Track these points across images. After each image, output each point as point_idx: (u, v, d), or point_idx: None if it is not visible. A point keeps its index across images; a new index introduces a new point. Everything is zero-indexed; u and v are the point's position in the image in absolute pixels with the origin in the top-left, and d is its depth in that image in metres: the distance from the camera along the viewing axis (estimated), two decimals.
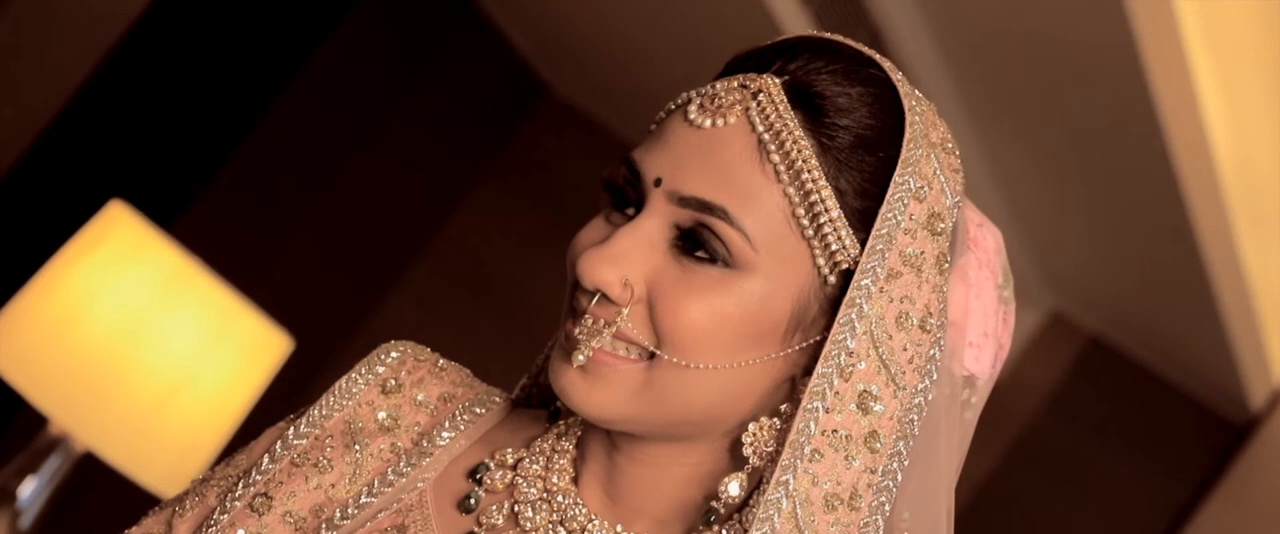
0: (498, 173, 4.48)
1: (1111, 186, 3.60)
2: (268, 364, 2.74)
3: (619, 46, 3.88)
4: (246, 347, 2.70)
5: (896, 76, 1.23)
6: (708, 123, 1.19)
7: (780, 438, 1.21)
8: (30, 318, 2.61)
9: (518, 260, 4.31)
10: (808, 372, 1.21)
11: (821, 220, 1.18)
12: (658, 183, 1.19)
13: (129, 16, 3.22)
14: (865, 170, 1.19)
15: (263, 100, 3.82)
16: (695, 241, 1.18)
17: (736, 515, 1.22)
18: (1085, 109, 3.31)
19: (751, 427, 1.21)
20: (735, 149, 1.18)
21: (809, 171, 1.17)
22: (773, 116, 1.18)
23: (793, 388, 1.22)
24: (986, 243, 1.30)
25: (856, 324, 1.18)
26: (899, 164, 1.19)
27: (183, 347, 2.63)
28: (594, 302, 1.19)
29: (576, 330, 1.20)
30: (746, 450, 1.21)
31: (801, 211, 1.18)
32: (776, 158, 1.18)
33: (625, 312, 1.18)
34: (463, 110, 4.36)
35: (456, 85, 4.29)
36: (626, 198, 1.22)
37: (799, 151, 1.18)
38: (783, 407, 1.22)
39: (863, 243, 1.19)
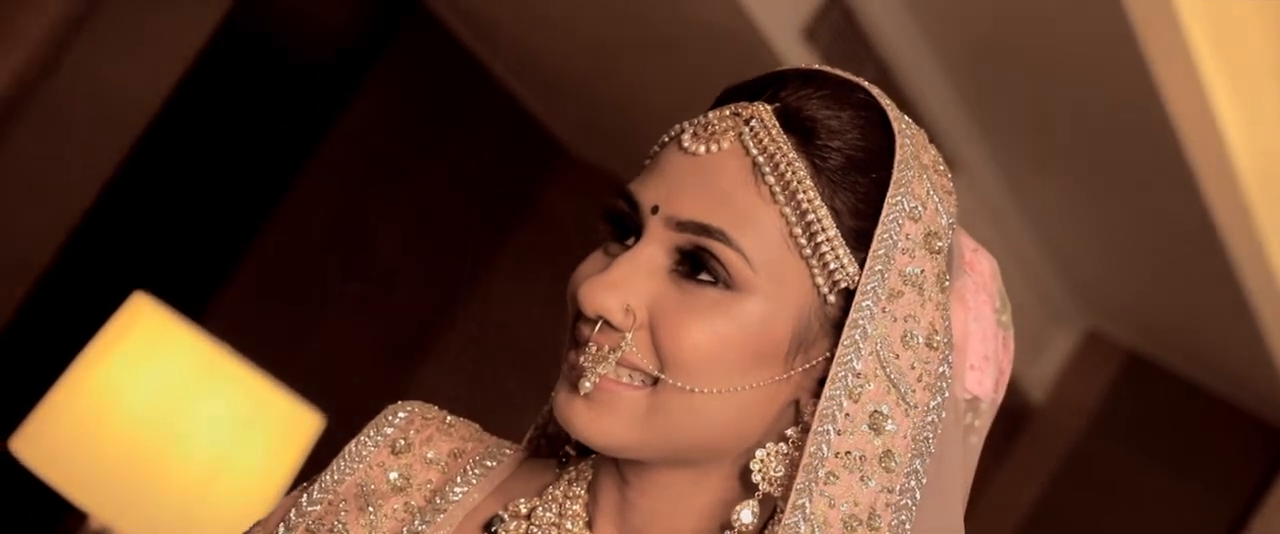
0: (521, 236, 4.49)
1: (1132, 198, 3.60)
2: (301, 444, 2.75)
3: (635, 105, 3.89)
4: (279, 428, 2.72)
5: (885, 101, 1.24)
6: (702, 149, 1.21)
7: (790, 463, 1.21)
8: (61, 415, 2.63)
9: (545, 324, 4.32)
10: (814, 395, 1.21)
11: (819, 239, 1.19)
12: (655, 210, 1.21)
13: (149, 108, 3.26)
14: (859, 191, 1.20)
15: (286, 177, 3.84)
16: (695, 264, 1.19)
17: None
18: (1100, 126, 3.31)
19: (759, 453, 1.21)
20: (730, 173, 1.20)
21: (804, 191, 1.18)
22: (765, 140, 1.20)
23: (798, 412, 1.23)
24: (982, 267, 1.30)
25: (861, 345, 1.19)
26: (892, 184, 1.20)
27: (215, 433, 2.65)
28: (597, 329, 1.20)
29: (581, 359, 1.21)
30: (756, 477, 1.21)
31: (799, 231, 1.18)
32: (771, 179, 1.19)
33: (629, 337, 1.19)
34: (483, 176, 4.38)
35: (475, 151, 4.31)
36: (625, 228, 1.24)
37: (793, 172, 1.19)
38: (789, 432, 1.22)
39: (861, 263, 1.20)
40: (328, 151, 3.89)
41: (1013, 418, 4.45)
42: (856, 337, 1.19)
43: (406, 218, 4.19)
